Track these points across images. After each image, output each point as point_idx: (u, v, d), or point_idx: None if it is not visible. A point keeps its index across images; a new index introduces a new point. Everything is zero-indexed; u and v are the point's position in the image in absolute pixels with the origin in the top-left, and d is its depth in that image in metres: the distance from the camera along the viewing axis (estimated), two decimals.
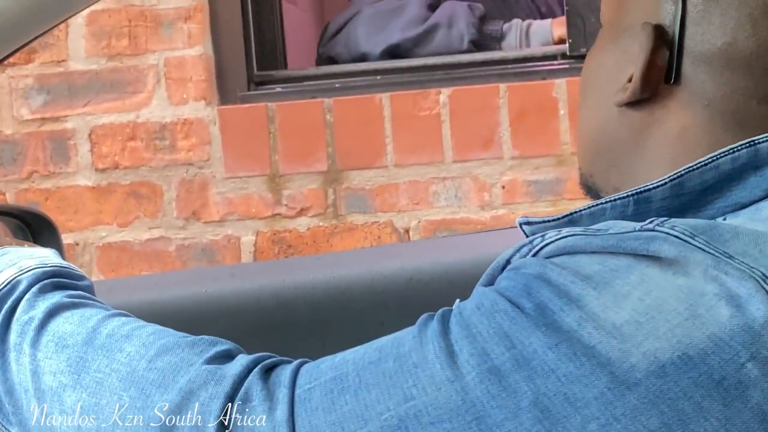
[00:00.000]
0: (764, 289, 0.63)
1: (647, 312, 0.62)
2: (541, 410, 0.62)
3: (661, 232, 0.65)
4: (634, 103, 0.76)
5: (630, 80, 0.76)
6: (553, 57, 2.55)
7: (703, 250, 0.64)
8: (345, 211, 2.54)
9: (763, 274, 0.63)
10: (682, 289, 0.63)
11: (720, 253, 0.64)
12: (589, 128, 0.81)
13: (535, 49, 2.63)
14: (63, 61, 2.59)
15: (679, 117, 0.75)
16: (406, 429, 0.64)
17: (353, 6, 2.79)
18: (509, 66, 2.56)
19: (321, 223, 2.55)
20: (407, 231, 2.53)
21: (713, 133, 0.74)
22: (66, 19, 1.02)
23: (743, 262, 0.64)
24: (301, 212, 2.56)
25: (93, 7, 2.55)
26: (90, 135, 2.59)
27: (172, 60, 2.56)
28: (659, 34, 0.74)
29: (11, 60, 2.53)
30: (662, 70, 0.75)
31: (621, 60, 0.77)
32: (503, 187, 2.49)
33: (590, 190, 0.83)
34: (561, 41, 2.60)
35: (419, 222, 2.52)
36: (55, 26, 1.02)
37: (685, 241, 0.64)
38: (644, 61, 0.74)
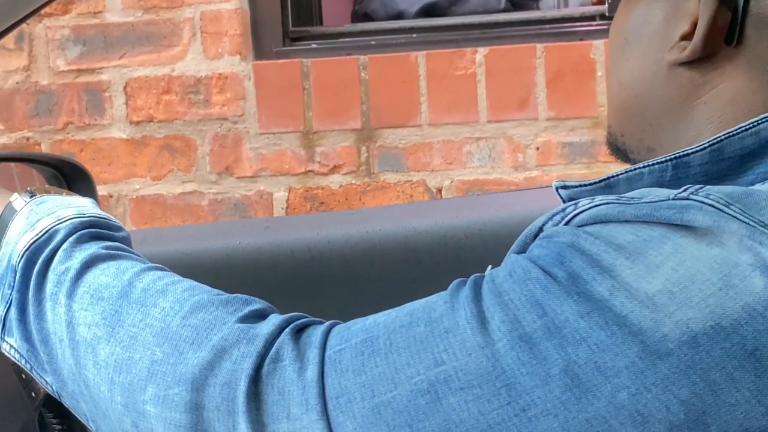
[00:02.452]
0: None
1: (680, 282, 0.62)
2: (571, 378, 0.62)
3: (696, 200, 0.64)
4: (688, 63, 0.75)
5: (683, 38, 0.74)
6: (591, 18, 2.52)
7: (738, 219, 0.63)
8: (378, 169, 2.54)
9: None
10: (716, 259, 0.62)
11: (755, 222, 0.63)
12: (628, 84, 0.80)
13: (573, 10, 2.61)
14: (99, 12, 2.59)
15: (734, 80, 0.73)
16: (435, 393, 0.64)
17: None
18: (546, 26, 2.53)
19: (353, 181, 2.55)
20: (440, 191, 2.52)
21: (766, 100, 0.72)
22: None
23: None
24: (334, 169, 2.55)
25: None
26: (125, 87, 2.60)
27: (207, 14, 2.56)
28: None
29: (48, 10, 2.54)
30: (723, 31, 0.73)
31: (672, 16, 0.75)
32: (537, 149, 2.48)
33: (617, 149, 0.82)
34: (599, 1, 2.57)
35: (452, 182, 2.52)
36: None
37: (720, 209, 0.64)
38: (708, 20, 0.72)
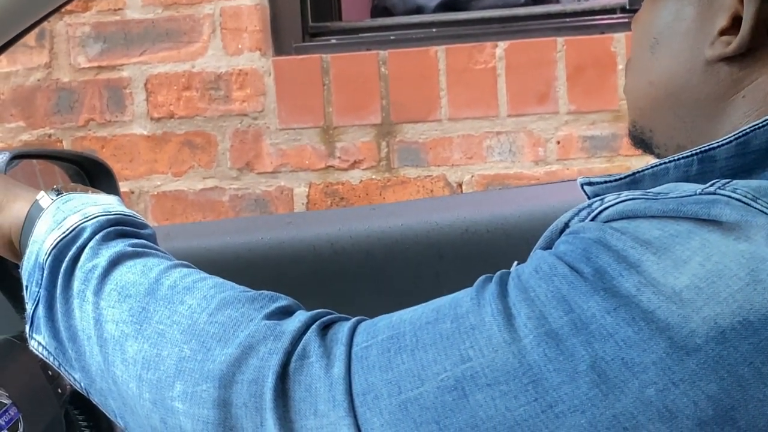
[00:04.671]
0: None
1: (708, 277, 0.61)
2: (599, 374, 0.61)
3: (723, 195, 0.64)
4: (727, 58, 0.74)
5: (722, 32, 0.74)
6: (612, 11, 2.51)
7: (766, 214, 0.63)
8: (398, 164, 2.54)
9: None
10: (743, 254, 0.62)
11: None
12: (660, 83, 0.79)
13: (594, 2, 2.60)
14: (120, 9, 2.60)
15: None
16: (462, 390, 0.64)
17: None
18: (567, 19, 2.52)
19: (374, 176, 2.55)
20: (460, 185, 2.52)
21: None
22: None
23: None
24: (354, 165, 2.56)
25: None
26: (146, 84, 2.60)
27: (227, 10, 2.56)
28: None
29: (69, 8, 2.55)
30: (765, 23, 0.72)
31: (707, 11, 0.75)
32: (558, 143, 2.47)
33: (643, 143, 0.82)
34: None
35: (472, 176, 2.51)
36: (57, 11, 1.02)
37: (747, 204, 0.64)
38: (755, 12, 0.72)
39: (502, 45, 2.47)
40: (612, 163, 2.44)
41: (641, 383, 0.61)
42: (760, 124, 0.70)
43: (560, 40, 2.44)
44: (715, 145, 0.71)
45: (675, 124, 0.78)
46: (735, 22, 0.73)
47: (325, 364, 0.68)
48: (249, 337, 0.71)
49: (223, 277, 0.79)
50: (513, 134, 2.48)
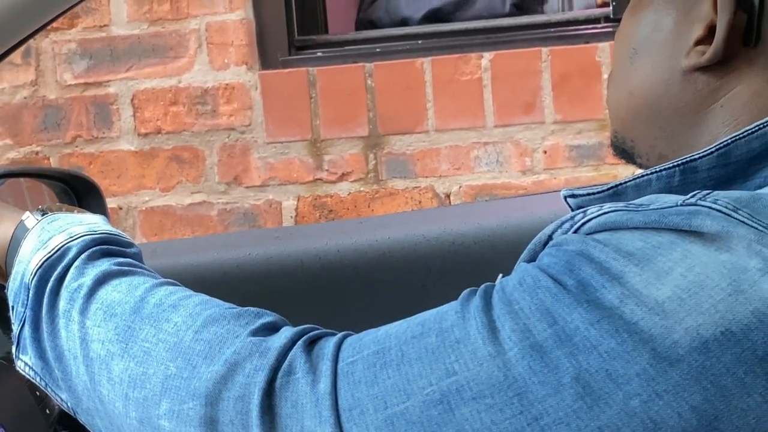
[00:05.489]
0: None
1: (690, 288, 0.62)
2: (583, 386, 0.62)
3: (704, 206, 0.64)
4: (704, 67, 0.74)
5: (698, 42, 0.74)
6: (596, 20, 2.52)
7: (746, 224, 0.63)
8: (386, 176, 2.54)
9: None
10: (725, 264, 0.62)
11: (764, 227, 0.63)
12: (639, 93, 0.79)
13: (578, 12, 2.61)
14: (105, 26, 2.60)
15: (750, 81, 0.73)
16: (448, 404, 0.64)
17: None
18: (552, 29, 2.53)
19: (362, 188, 2.55)
20: (448, 196, 2.52)
21: None
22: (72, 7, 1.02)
23: None
24: (342, 177, 2.56)
25: None
26: (132, 100, 2.61)
27: (213, 25, 2.57)
28: None
29: (54, 25, 2.55)
30: (741, 33, 0.72)
31: (684, 21, 0.75)
32: (545, 152, 2.48)
33: (624, 152, 0.82)
34: (604, 3, 2.57)
35: (460, 187, 2.52)
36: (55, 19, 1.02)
37: (728, 214, 0.64)
38: (727, 23, 0.72)
39: (488, 56, 2.47)
40: (599, 172, 2.45)
41: (625, 395, 0.61)
42: (741, 135, 0.70)
43: (545, 50, 2.45)
44: (696, 156, 0.71)
45: (655, 134, 0.79)
46: (711, 32, 0.73)
47: (311, 380, 0.68)
48: (234, 354, 0.71)
49: (211, 294, 0.79)
50: (500, 144, 2.49)
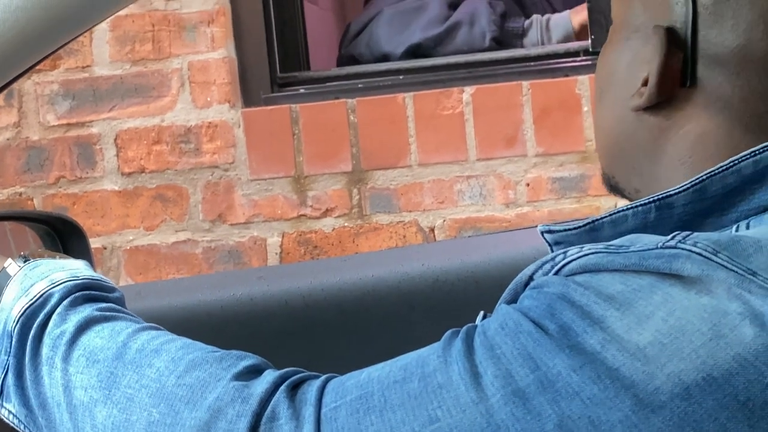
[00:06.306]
0: None
1: (671, 333, 0.62)
2: None
3: (684, 249, 0.64)
4: (651, 108, 0.75)
5: (644, 83, 0.75)
6: (575, 53, 2.54)
7: (726, 268, 0.63)
8: (370, 211, 2.55)
9: None
10: (705, 308, 0.62)
11: (743, 270, 0.63)
12: (606, 130, 0.80)
13: (558, 46, 2.63)
14: (88, 66, 2.61)
15: (697, 121, 0.74)
16: None
17: (374, 6, 2.79)
18: (531, 63, 2.55)
19: (346, 224, 2.56)
20: (432, 230, 2.53)
21: (733, 136, 0.73)
22: (92, 27, 1.03)
23: (767, 279, 0.63)
24: (327, 213, 2.56)
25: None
26: (116, 139, 2.61)
27: (195, 63, 2.58)
28: (672, 36, 0.73)
29: (37, 66, 2.55)
30: (677, 73, 0.74)
31: (633, 62, 0.76)
32: (528, 185, 2.49)
33: (613, 188, 0.83)
34: (582, 28, 2.59)
35: (444, 221, 2.52)
36: (81, 34, 1.03)
37: (708, 258, 0.64)
38: (659, 66, 0.73)
39: (469, 90, 2.49)
40: (581, 204, 2.46)
41: None
42: (716, 171, 0.71)
43: (525, 83, 2.47)
44: (672, 192, 0.72)
45: (626, 170, 0.80)
46: None
47: (294, 426, 0.68)
48: (217, 399, 0.71)
49: (196, 335, 0.79)
50: (483, 178, 2.50)
